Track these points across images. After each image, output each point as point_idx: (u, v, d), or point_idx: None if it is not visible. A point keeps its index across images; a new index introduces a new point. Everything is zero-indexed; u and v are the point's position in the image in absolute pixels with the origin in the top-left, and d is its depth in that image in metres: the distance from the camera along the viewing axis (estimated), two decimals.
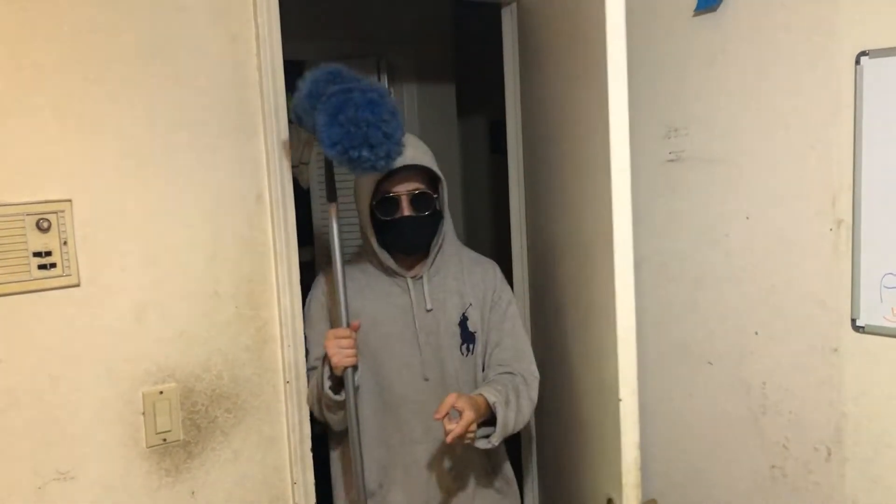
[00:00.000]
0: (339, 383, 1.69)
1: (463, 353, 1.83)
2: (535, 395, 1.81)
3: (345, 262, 1.70)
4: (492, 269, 1.90)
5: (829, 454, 1.65)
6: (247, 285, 1.71)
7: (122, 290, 1.56)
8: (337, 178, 1.67)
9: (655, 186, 1.93)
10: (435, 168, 1.76)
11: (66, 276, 1.49)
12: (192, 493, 1.67)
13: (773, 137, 1.67)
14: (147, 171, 1.58)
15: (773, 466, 1.75)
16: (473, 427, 1.60)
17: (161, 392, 1.61)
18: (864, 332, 1.57)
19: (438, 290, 1.82)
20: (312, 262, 3.45)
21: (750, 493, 1.80)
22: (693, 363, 1.89)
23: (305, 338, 1.79)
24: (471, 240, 3.72)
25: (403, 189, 1.73)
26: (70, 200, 1.49)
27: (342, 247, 1.67)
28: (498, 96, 2.34)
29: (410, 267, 1.82)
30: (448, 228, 1.83)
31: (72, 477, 1.52)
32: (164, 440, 1.62)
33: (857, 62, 1.52)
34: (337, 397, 1.68)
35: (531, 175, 2.19)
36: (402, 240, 1.76)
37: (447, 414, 1.57)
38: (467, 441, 1.63)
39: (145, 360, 1.59)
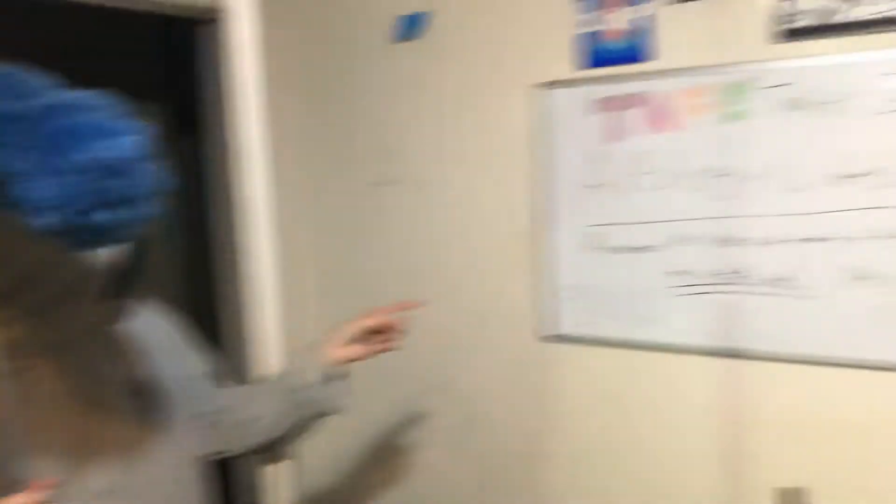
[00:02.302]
0: None
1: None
2: None
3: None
4: None
5: (533, 460, 1.75)
6: None
7: None
8: None
9: (364, 208, 1.95)
10: None
11: None
12: None
13: (469, 161, 1.77)
14: None
15: (482, 475, 1.82)
16: None
17: None
18: (551, 342, 1.70)
19: None
20: None
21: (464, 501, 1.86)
22: (403, 380, 1.92)
23: None
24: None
25: None
26: None
27: None
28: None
29: None
30: None
31: None
32: None
33: (534, 93, 1.66)
34: None
35: None
36: None
37: None
38: None
39: None
